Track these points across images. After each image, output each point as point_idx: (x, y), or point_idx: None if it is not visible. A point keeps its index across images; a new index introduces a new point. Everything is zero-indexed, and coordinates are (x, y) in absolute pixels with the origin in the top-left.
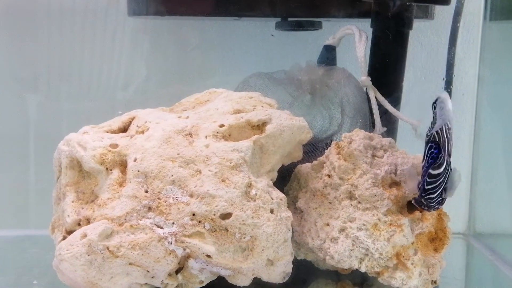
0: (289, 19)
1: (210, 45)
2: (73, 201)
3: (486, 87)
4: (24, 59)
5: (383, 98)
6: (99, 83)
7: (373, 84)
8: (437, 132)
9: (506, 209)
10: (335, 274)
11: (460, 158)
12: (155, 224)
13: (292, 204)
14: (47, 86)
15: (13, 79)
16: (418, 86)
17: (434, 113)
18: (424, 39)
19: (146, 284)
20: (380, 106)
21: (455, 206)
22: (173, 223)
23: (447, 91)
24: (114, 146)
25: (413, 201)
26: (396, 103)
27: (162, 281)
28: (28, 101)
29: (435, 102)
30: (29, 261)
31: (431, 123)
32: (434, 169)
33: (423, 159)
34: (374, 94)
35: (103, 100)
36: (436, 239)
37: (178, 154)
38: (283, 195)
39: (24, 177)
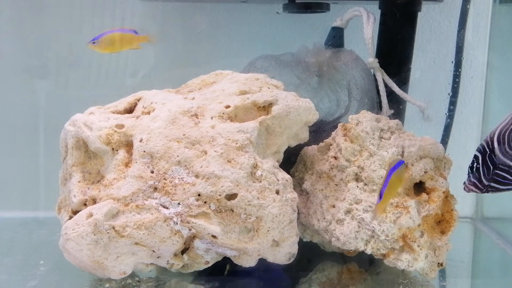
0: (297, 1)
1: (217, 28)
2: (79, 181)
3: (496, 71)
4: (32, 47)
5: (390, 80)
6: (108, 69)
7: (380, 66)
8: None
9: None
10: (341, 257)
11: (468, 142)
12: (160, 205)
13: (298, 186)
14: (56, 74)
15: (23, 68)
16: (428, 70)
17: None
18: (434, 23)
19: (152, 264)
20: (387, 88)
21: (462, 191)
22: (178, 203)
23: (456, 74)
24: (120, 126)
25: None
26: (404, 85)
27: (167, 261)
28: (38, 89)
29: None
30: (36, 242)
31: None
32: None
33: None
34: (381, 76)
35: (112, 87)
36: (443, 222)
37: (184, 134)
38: (288, 176)
39: (33, 162)
